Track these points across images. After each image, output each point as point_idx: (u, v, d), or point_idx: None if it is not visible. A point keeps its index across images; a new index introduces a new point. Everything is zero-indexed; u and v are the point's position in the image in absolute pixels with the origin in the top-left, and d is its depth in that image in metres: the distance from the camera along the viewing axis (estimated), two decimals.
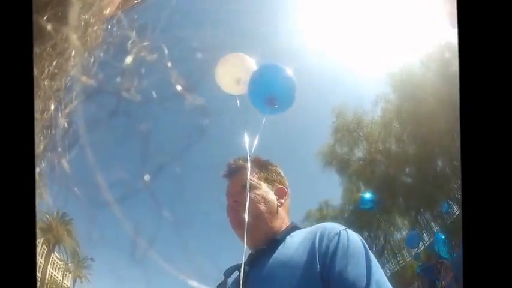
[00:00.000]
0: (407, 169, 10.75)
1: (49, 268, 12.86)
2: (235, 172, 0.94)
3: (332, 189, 12.07)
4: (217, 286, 0.86)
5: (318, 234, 0.77)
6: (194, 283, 0.68)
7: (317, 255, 0.73)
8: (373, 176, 10.73)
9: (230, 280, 0.86)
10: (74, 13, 0.38)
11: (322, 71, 12.57)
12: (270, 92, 1.39)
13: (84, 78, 0.43)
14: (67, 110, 0.43)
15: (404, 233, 10.75)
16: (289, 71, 1.41)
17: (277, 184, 0.95)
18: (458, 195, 8.68)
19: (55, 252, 13.34)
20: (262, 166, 0.96)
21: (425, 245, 9.81)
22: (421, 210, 10.70)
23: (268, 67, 1.48)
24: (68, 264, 13.19)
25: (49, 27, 0.36)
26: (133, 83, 0.47)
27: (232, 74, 1.54)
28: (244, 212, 0.82)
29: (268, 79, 1.43)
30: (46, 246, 12.97)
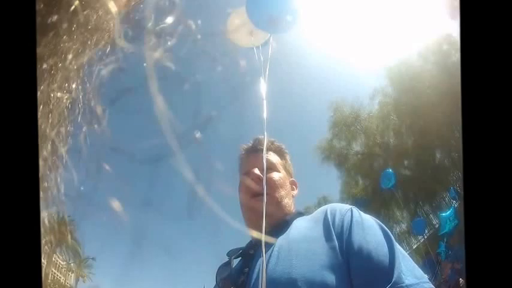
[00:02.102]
0: (405, 162, 10.74)
1: (52, 268, 12.98)
2: (260, 151, 0.89)
3: (330, 184, 12.07)
4: (220, 266, 0.82)
5: (328, 211, 0.75)
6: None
7: (332, 229, 0.71)
8: (372, 170, 10.72)
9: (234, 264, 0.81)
10: None
11: (318, 65, 12.50)
12: (269, 12, 1.33)
13: (121, 43, 0.44)
14: (97, 81, 0.44)
15: (404, 226, 10.77)
16: None
17: (289, 176, 0.93)
18: (457, 187, 8.66)
19: (57, 253, 13.44)
20: (282, 154, 0.94)
21: (425, 237, 9.84)
22: (420, 202, 10.70)
23: None
24: (70, 264, 13.29)
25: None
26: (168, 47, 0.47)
27: (243, 27, 1.46)
28: (265, 192, 0.78)
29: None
30: (48, 247, 13.04)
